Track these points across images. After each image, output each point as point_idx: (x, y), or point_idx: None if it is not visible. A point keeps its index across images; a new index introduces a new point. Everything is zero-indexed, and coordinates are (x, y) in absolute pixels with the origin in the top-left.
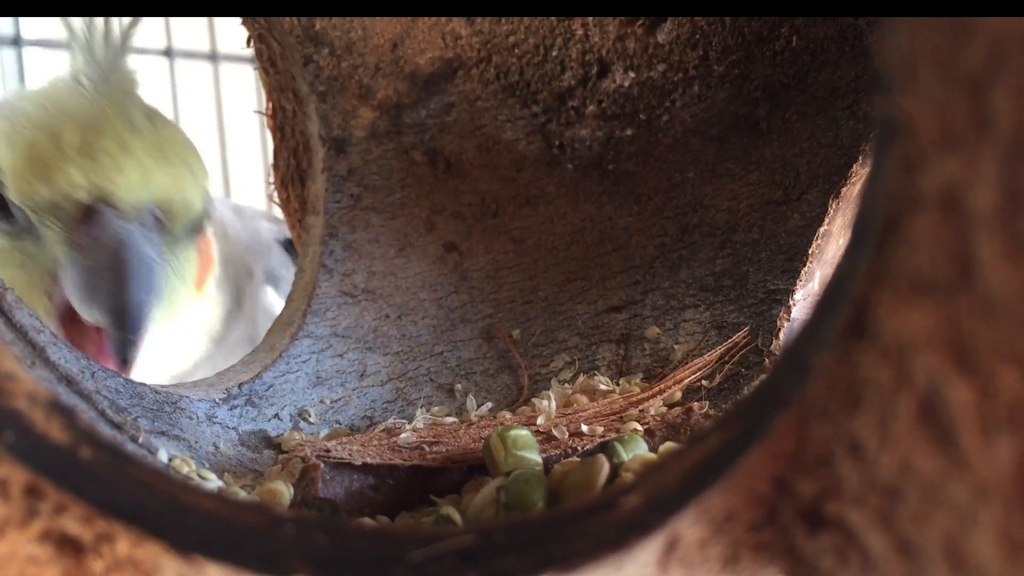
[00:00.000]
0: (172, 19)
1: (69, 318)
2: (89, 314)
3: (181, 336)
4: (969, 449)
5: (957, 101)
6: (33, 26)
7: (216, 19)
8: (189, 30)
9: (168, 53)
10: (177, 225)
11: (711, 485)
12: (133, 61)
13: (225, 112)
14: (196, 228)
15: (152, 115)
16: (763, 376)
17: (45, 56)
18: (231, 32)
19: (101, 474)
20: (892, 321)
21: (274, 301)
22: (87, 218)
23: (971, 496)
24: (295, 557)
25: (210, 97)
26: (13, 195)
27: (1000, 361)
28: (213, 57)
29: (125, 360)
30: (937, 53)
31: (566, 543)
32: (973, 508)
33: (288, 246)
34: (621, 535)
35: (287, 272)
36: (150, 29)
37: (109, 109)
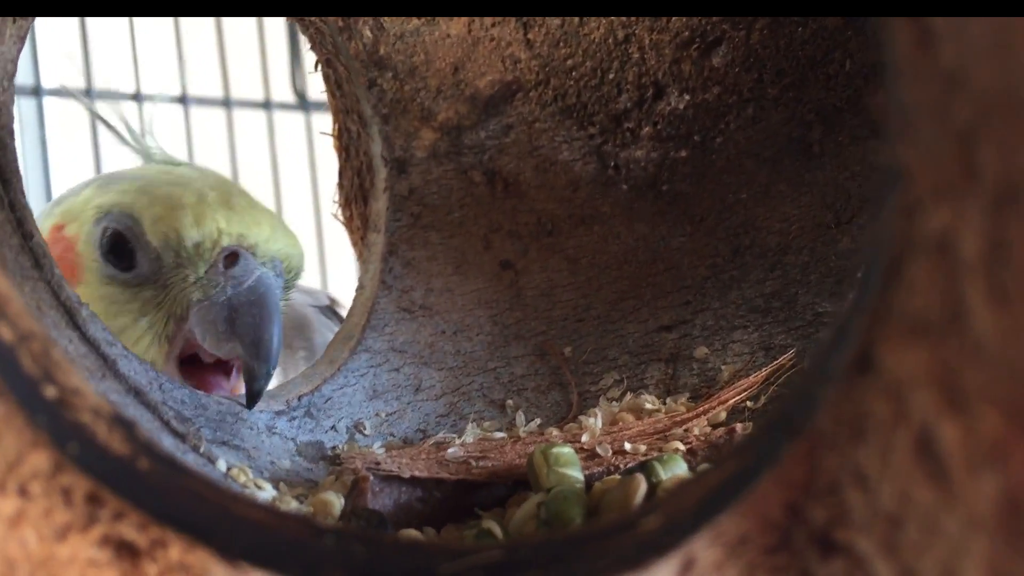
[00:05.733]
0: (187, 66)
1: (188, 361)
2: (225, 349)
3: None
4: (959, 484)
5: (948, 152)
6: (53, 76)
7: (230, 65)
8: (203, 76)
9: (183, 100)
10: (290, 280)
11: (724, 510)
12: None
13: (239, 157)
14: (291, 288)
15: None
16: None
17: (64, 106)
18: (244, 78)
19: (156, 484)
20: (892, 359)
21: None
22: (231, 261)
23: (963, 529)
24: (334, 567)
25: (224, 143)
26: (155, 238)
27: (984, 402)
28: (227, 103)
29: (256, 392)
30: (932, 105)
31: (588, 561)
32: (965, 540)
33: (327, 312)
34: (639, 554)
35: (331, 334)
36: (165, 76)
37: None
